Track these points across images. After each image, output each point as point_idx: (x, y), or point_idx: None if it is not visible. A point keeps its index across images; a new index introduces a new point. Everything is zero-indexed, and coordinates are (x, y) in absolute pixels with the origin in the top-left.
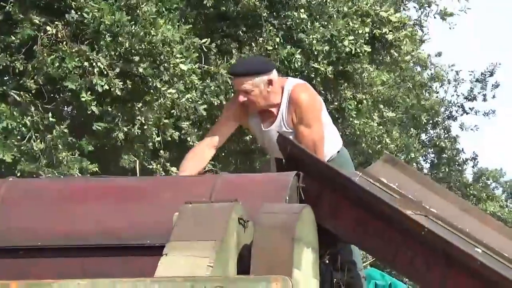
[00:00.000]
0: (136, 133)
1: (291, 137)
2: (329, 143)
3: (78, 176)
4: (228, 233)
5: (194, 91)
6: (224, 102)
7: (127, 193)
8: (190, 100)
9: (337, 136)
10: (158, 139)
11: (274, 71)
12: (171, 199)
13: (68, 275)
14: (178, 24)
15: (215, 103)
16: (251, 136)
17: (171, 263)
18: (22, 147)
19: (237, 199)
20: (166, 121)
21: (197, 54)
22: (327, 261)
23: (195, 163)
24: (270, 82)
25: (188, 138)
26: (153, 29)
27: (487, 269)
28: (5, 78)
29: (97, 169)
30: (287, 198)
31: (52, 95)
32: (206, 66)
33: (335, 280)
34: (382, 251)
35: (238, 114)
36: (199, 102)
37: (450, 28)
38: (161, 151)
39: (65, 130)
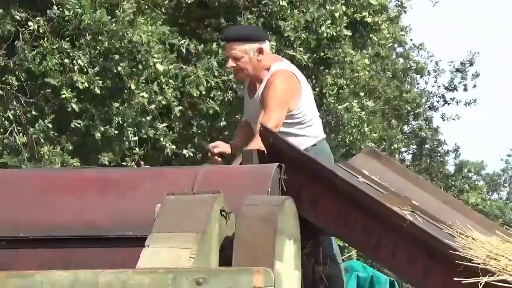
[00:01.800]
0: (113, 134)
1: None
2: (302, 135)
3: (59, 167)
4: (210, 225)
5: (169, 91)
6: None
7: (109, 184)
8: (165, 100)
9: (315, 130)
10: (135, 138)
11: (267, 42)
12: (153, 190)
13: (50, 266)
14: (159, 23)
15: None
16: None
17: (153, 254)
18: (5, 140)
19: (219, 190)
20: (142, 119)
21: (175, 55)
22: (309, 253)
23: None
24: (260, 51)
25: (161, 138)
26: (131, 29)
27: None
28: None
29: (78, 163)
30: (269, 190)
31: (33, 90)
32: (184, 66)
33: (316, 272)
34: (364, 244)
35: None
36: (174, 103)
37: (433, 6)
38: (136, 149)
39: (49, 125)
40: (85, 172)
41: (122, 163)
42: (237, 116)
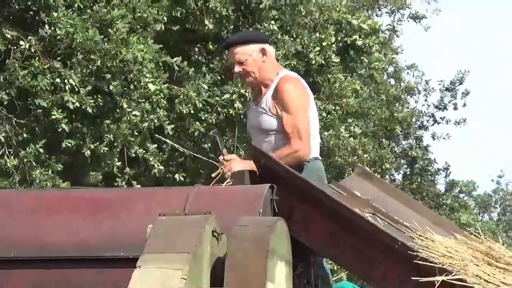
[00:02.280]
0: (103, 151)
1: (264, 118)
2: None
3: (51, 188)
4: (202, 246)
5: (161, 110)
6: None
7: (101, 204)
8: (156, 119)
9: (316, 146)
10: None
11: (268, 45)
12: (145, 211)
13: (42, 286)
14: (151, 41)
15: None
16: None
17: (145, 275)
18: None
19: (211, 211)
20: (132, 139)
21: (168, 74)
22: (301, 274)
23: None
24: (263, 52)
25: (151, 159)
26: (124, 48)
27: None
28: None
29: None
30: (261, 210)
31: (24, 110)
32: (175, 87)
33: None
34: (355, 265)
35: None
36: (166, 122)
37: (425, 30)
38: (127, 168)
39: (41, 150)
40: (77, 192)
41: (113, 183)
42: (210, 133)
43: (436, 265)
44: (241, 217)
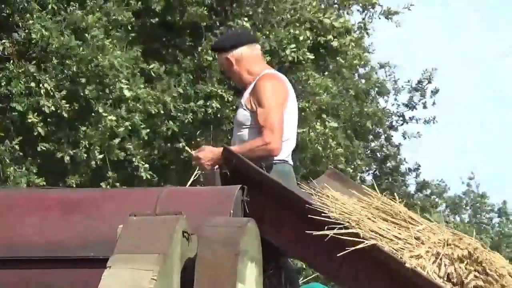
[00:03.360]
0: (81, 156)
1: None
2: None
3: (22, 187)
4: (172, 246)
5: (137, 115)
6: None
7: (71, 204)
8: (131, 126)
9: (288, 149)
10: (100, 156)
11: (243, 48)
12: (115, 211)
13: (12, 287)
14: (126, 47)
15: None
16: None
17: (115, 275)
18: None
19: (181, 212)
20: (111, 142)
21: (143, 80)
22: (271, 275)
23: None
24: (231, 59)
25: (134, 159)
26: (100, 54)
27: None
28: None
29: (44, 183)
30: (232, 211)
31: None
32: (152, 92)
33: None
34: (325, 266)
35: None
36: (142, 126)
37: (396, 27)
38: (109, 172)
39: (16, 147)
40: (48, 192)
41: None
42: (198, 139)
43: (328, 219)
44: (212, 217)
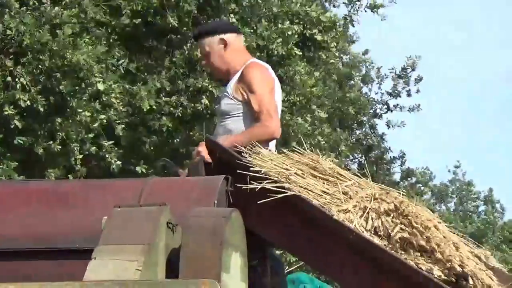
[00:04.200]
0: (56, 149)
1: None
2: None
3: (4, 180)
4: (157, 237)
5: (112, 110)
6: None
7: (55, 196)
8: (106, 120)
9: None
10: (80, 156)
11: (234, 35)
12: (100, 203)
13: None
14: (101, 44)
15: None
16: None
17: (100, 266)
18: None
19: (165, 203)
20: (85, 136)
21: (118, 74)
22: (255, 265)
23: None
24: (223, 42)
25: (107, 155)
26: (70, 50)
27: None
28: None
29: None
30: (216, 202)
31: None
32: (128, 86)
33: (263, 284)
34: (311, 257)
35: None
36: (116, 122)
37: (381, 20)
38: (78, 166)
39: None
40: (32, 184)
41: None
42: (191, 133)
43: (259, 175)
44: (196, 208)
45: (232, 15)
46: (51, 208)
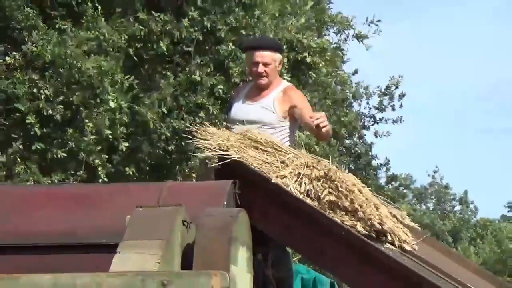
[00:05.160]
0: (61, 156)
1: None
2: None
3: (36, 184)
4: (173, 234)
5: (120, 127)
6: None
7: (84, 198)
8: (111, 135)
9: None
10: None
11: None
12: (123, 203)
13: (30, 272)
14: (109, 59)
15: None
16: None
17: (124, 259)
18: None
19: (181, 203)
20: (93, 148)
21: (126, 90)
22: (260, 258)
23: None
24: (281, 62)
25: (99, 168)
26: (80, 62)
27: (400, 265)
28: None
29: (50, 181)
30: (225, 203)
31: (4, 114)
32: (133, 105)
33: (266, 274)
34: (308, 250)
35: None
36: (122, 138)
37: (366, 49)
38: (80, 172)
39: (20, 147)
40: (62, 187)
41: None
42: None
43: (209, 147)
44: (208, 208)
45: (230, 43)
46: (80, 208)
